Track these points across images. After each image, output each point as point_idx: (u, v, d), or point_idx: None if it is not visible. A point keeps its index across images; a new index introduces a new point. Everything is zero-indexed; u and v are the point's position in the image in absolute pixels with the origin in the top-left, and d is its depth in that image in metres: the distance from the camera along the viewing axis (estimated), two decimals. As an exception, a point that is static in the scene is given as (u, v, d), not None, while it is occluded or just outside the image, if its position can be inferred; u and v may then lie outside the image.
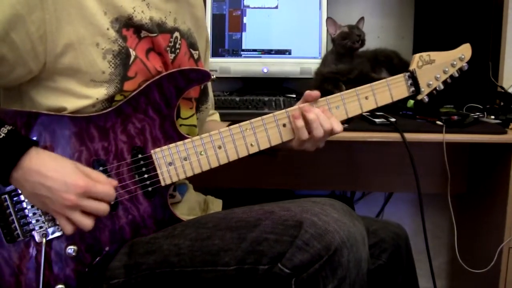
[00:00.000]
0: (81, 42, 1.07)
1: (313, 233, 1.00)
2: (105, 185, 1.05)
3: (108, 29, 1.09)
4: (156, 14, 1.20)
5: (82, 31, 1.06)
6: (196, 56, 1.33)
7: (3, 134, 1.00)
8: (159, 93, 1.14)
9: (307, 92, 1.22)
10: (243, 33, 2.14)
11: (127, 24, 1.12)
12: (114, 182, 1.08)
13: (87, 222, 1.03)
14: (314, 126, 1.18)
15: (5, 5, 1.00)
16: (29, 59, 1.05)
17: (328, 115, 1.20)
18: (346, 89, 1.76)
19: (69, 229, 1.04)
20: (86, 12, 1.07)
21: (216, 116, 1.59)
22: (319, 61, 2.06)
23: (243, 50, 2.15)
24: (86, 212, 1.03)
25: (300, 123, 1.19)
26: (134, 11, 1.14)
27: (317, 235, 1.00)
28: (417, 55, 1.31)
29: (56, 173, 1.01)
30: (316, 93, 1.22)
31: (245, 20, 2.14)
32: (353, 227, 1.04)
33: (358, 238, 1.03)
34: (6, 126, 1.01)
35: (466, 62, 1.34)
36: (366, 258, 1.05)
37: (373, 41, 2.17)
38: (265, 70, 2.13)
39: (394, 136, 1.59)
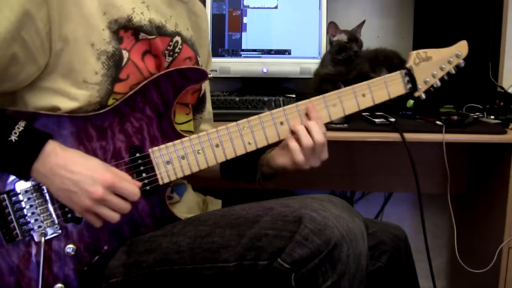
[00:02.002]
0: (77, 40, 1.07)
1: (312, 228, 1.01)
2: (131, 183, 1.07)
3: (103, 29, 1.09)
4: (156, 16, 1.20)
5: (79, 30, 1.07)
6: (200, 64, 1.33)
7: (22, 128, 1.01)
8: (157, 92, 1.14)
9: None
10: (243, 33, 2.14)
11: (125, 26, 1.12)
12: (139, 183, 1.10)
13: (114, 215, 1.05)
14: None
15: (15, 4, 1.00)
16: (38, 56, 1.05)
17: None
18: (346, 89, 1.77)
19: (98, 223, 1.07)
20: (84, 11, 1.07)
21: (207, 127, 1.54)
22: (318, 61, 2.06)
23: (243, 50, 2.15)
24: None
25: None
26: (133, 12, 1.14)
27: (317, 230, 1.00)
28: (413, 52, 1.31)
29: (82, 167, 1.02)
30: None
31: (245, 20, 2.14)
32: (352, 223, 1.04)
33: (357, 234, 1.03)
34: (22, 120, 1.02)
35: (463, 59, 1.34)
36: (365, 254, 1.05)
37: (372, 41, 2.17)
38: (265, 70, 2.13)
39: (393, 136, 1.59)
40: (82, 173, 1.02)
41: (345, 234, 1.01)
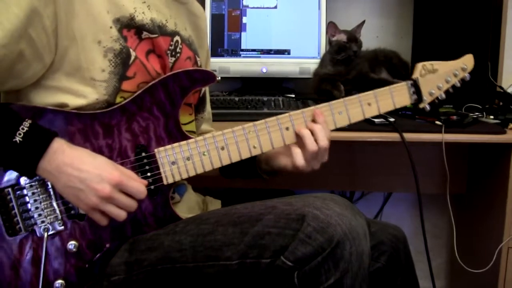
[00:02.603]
0: (83, 38, 1.07)
1: (315, 226, 1.01)
2: (138, 181, 1.07)
3: (111, 27, 1.10)
4: (157, 16, 1.20)
5: (85, 28, 1.07)
6: (199, 64, 1.34)
7: (26, 128, 1.00)
8: (164, 93, 1.14)
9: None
10: (242, 33, 2.15)
11: (128, 25, 1.13)
12: (145, 182, 1.10)
13: (121, 213, 1.05)
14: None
15: (23, 1, 1.00)
16: (44, 53, 1.05)
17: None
18: (345, 89, 1.77)
19: (105, 221, 1.06)
20: (90, 9, 1.08)
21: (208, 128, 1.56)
22: (318, 61, 2.06)
23: (242, 50, 2.15)
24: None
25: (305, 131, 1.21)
26: (135, 11, 1.14)
27: (320, 228, 1.00)
28: (420, 64, 1.31)
29: (90, 165, 1.02)
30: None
31: (244, 20, 2.14)
32: (354, 221, 1.04)
33: (360, 232, 1.04)
34: (27, 120, 1.02)
35: (468, 73, 1.35)
36: (367, 252, 1.05)
37: (372, 41, 2.17)
38: (264, 70, 2.13)
39: (393, 136, 1.58)
40: (90, 171, 1.02)
41: (347, 232, 1.01)
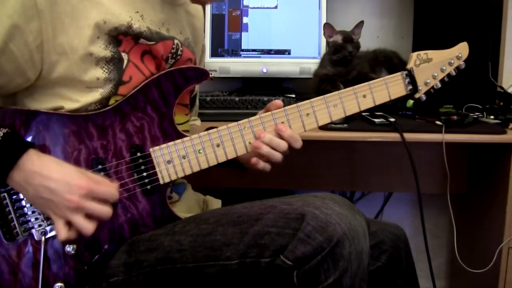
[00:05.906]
0: (74, 52, 1.06)
1: (315, 225, 1.01)
2: (107, 186, 1.05)
3: (98, 37, 1.09)
4: (151, 24, 1.19)
5: (75, 41, 1.06)
6: (196, 64, 1.34)
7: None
8: (158, 92, 1.14)
9: (271, 102, 1.23)
10: (243, 33, 2.15)
11: (126, 33, 1.12)
12: (116, 185, 1.08)
13: (89, 226, 1.02)
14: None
15: (3, 16, 1.00)
16: (27, 68, 1.05)
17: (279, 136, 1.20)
18: (345, 90, 1.77)
19: (63, 234, 1.02)
20: (80, 22, 1.07)
21: (198, 122, 1.59)
22: (318, 61, 2.06)
23: (243, 50, 2.15)
24: (88, 216, 1.02)
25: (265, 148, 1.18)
26: (131, 19, 1.14)
27: (319, 227, 1.00)
28: (414, 54, 1.31)
29: (58, 174, 1.00)
30: (279, 102, 1.22)
31: (244, 20, 2.14)
32: (354, 220, 1.04)
33: (359, 231, 1.04)
34: (1, 129, 1.01)
35: (464, 61, 1.34)
36: (367, 251, 1.05)
37: (372, 41, 2.17)
38: (265, 70, 2.13)
39: (393, 136, 1.58)
40: (57, 180, 1.00)
41: (347, 231, 1.01)
